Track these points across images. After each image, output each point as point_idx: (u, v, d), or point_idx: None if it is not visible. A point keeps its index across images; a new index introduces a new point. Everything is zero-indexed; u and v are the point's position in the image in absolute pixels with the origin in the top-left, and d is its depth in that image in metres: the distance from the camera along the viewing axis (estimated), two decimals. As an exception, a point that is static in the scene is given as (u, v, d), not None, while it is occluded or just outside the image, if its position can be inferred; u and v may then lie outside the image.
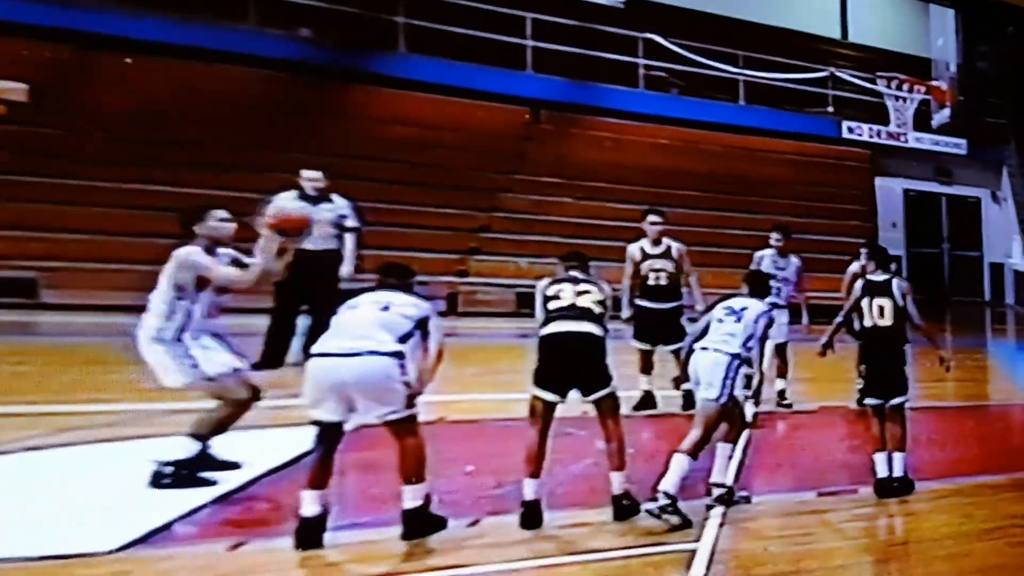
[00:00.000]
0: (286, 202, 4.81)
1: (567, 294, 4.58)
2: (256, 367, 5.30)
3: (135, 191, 10.78)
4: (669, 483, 4.44)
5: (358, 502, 4.45)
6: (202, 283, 4.71)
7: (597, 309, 4.56)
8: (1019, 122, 19.83)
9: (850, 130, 18.09)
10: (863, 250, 6.54)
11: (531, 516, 4.31)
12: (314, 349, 4.12)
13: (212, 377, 4.68)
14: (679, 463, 4.52)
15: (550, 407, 4.42)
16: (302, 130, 12.58)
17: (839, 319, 5.67)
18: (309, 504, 3.97)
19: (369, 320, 4.13)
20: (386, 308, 4.19)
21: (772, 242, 7.77)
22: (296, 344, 7.51)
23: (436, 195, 13.24)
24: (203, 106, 12.32)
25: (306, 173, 7.69)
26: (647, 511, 4.39)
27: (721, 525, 4.49)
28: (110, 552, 3.81)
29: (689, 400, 6.08)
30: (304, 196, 7.60)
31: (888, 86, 18.25)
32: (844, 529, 4.72)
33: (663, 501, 4.38)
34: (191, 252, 4.71)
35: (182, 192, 9.76)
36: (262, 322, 7.64)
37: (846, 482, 5.44)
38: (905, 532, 4.94)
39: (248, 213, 5.08)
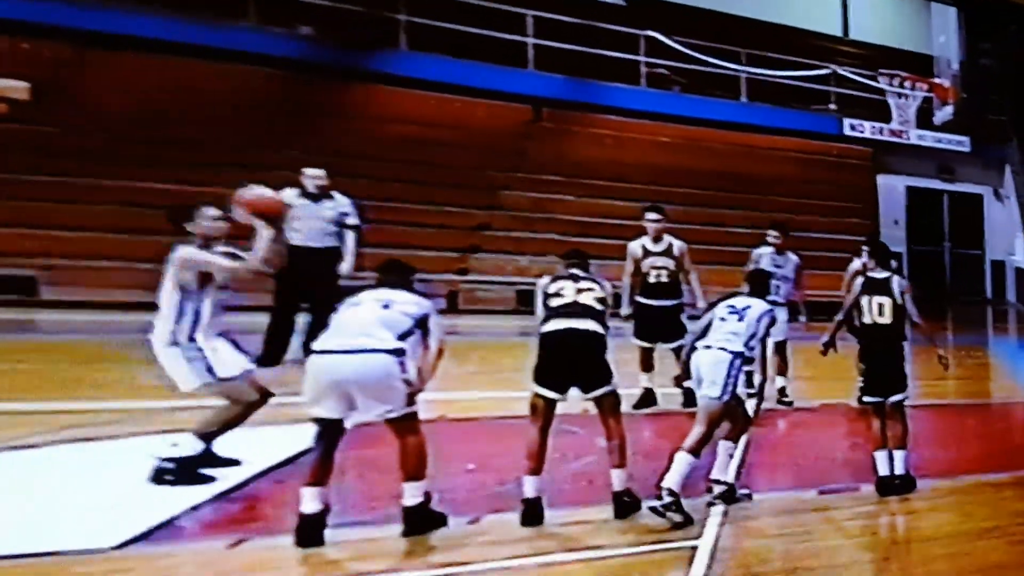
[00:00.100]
0: (258, 188, 4.81)
1: (568, 292, 4.58)
2: (256, 365, 5.30)
3: (135, 188, 10.77)
4: (672, 481, 4.45)
5: (359, 499, 4.45)
6: (205, 280, 4.73)
7: (598, 306, 4.56)
8: (1022, 119, 19.80)
9: (852, 127, 18.05)
10: (864, 247, 6.53)
11: (532, 514, 4.32)
12: (315, 347, 4.12)
13: (224, 379, 4.71)
14: (681, 461, 4.53)
15: (551, 404, 4.42)
16: (302, 128, 12.56)
17: (839, 317, 5.66)
18: (310, 501, 3.97)
19: (370, 318, 4.13)
20: (387, 306, 4.20)
21: (770, 240, 7.76)
22: (296, 342, 7.51)
23: (437, 193, 13.23)
24: (203, 104, 12.31)
25: (307, 171, 7.69)
26: (651, 509, 4.39)
27: (722, 523, 4.49)
28: (111, 549, 3.81)
29: (690, 398, 6.07)
30: (305, 194, 7.60)
31: (890, 83, 18.20)
32: (845, 527, 4.72)
33: (667, 499, 4.38)
34: (187, 251, 4.74)
35: (182, 190, 9.75)
36: (262, 320, 7.63)
37: (847, 480, 5.44)
38: (906, 530, 4.94)
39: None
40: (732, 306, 5.03)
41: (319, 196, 7.65)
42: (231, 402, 4.75)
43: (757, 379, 5.63)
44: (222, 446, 4.77)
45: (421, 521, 4.09)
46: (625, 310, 7.01)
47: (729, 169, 16.52)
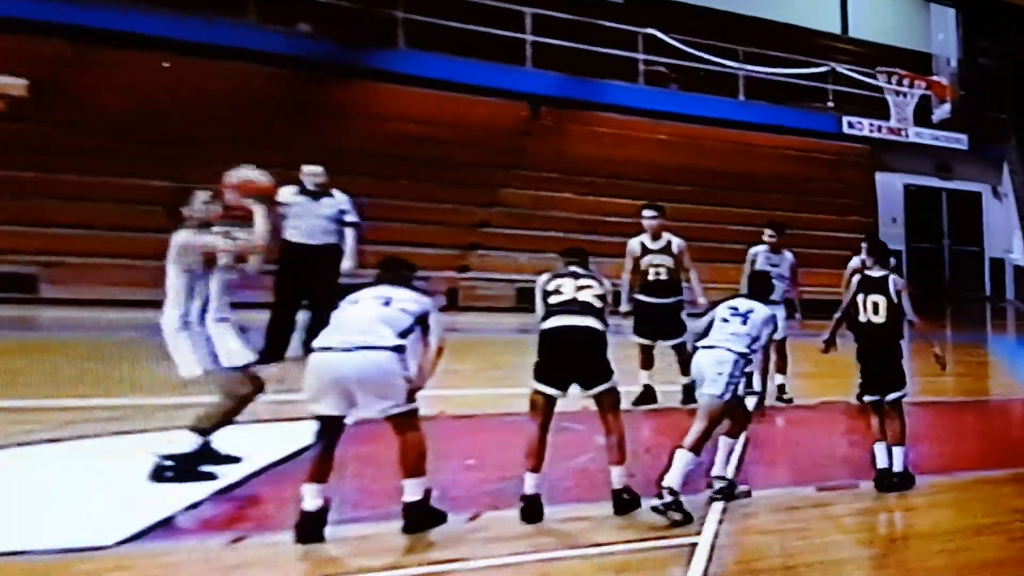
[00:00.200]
0: (246, 169, 4.82)
1: (567, 289, 4.58)
2: (256, 362, 5.31)
3: (135, 186, 10.75)
4: (672, 480, 4.45)
5: (359, 496, 4.46)
6: (209, 261, 4.75)
7: (597, 304, 4.56)
8: (1020, 117, 19.81)
9: (850, 125, 18.08)
10: (863, 245, 6.53)
11: (531, 510, 4.32)
12: (315, 344, 4.12)
13: (227, 368, 4.71)
14: (682, 459, 4.53)
15: (551, 401, 4.43)
16: (301, 126, 12.55)
17: (838, 315, 5.67)
18: (310, 498, 3.98)
19: (370, 315, 4.13)
20: (387, 303, 4.20)
21: (765, 238, 7.75)
22: (296, 339, 7.51)
23: (436, 190, 13.24)
24: (202, 101, 12.30)
25: (306, 168, 7.70)
26: (652, 508, 4.40)
27: (721, 519, 4.50)
28: (111, 546, 3.82)
29: (689, 395, 6.08)
30: (304, 191, 7.60)
31: (888, 81, 18.21)
32: (844, 523, 4.73)
33: (667, 499, 4.39)
34: (187, 234, 4.76)
35: (181, 187, 9.69)
36: (262, 316, 7.63)
37: (846, 477, 5.45)
38: (905, 526, 4.96)
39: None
40: (735, 308, 5.03)
41: (318, 193, 7.65)
42: (225, 395, 4.75)
43: (757, 379, 5.64)
44: (222, 443, 4.77)
45: (421, 518, 4.10)
46: (624, 307, 7.02)
47: (727, 167, 16.53)
